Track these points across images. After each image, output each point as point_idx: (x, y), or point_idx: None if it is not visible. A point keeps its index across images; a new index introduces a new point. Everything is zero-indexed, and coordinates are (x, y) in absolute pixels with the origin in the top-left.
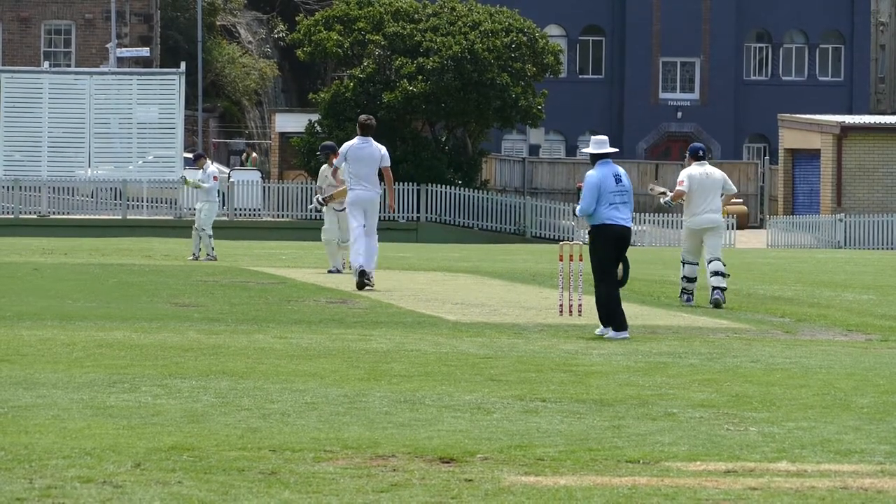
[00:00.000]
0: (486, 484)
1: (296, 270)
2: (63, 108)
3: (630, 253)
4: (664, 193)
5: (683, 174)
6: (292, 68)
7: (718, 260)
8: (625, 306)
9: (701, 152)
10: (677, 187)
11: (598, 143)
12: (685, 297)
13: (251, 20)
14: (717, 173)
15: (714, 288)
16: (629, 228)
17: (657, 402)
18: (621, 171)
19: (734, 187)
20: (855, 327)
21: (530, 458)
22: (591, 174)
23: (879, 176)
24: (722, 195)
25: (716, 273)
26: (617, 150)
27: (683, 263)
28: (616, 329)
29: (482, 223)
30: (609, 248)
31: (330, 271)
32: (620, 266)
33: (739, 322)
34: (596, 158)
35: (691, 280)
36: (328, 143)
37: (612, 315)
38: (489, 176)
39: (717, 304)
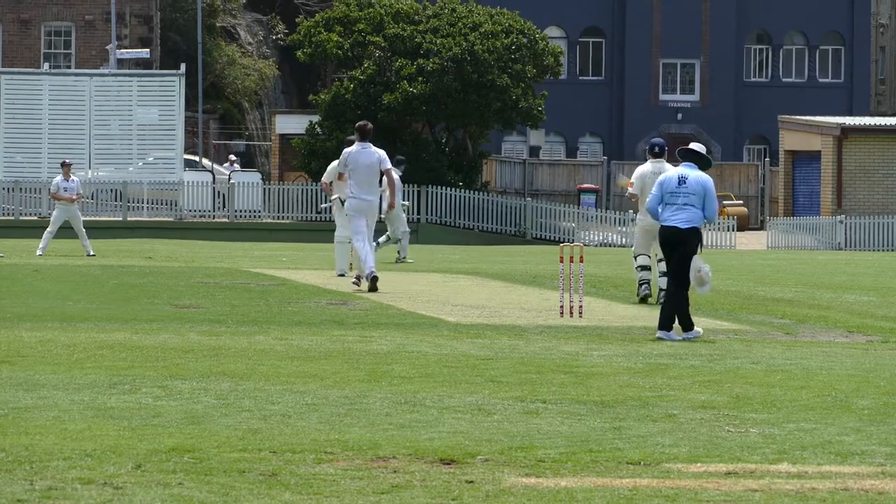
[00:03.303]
0: (487, 485)
1: (296, 272)
2: (63, 110)
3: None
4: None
5: (636, 173)
6: (292, 70)
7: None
8: (625, 307)
9: (657, 148)
10: (628, 189)
11: (696, 146)
12: (644, 287)
13: (251, 21)
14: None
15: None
16: (679, 230)
17: (658, 403)
18: (695, 174)
19: None
20: (855, 329)
21: (531, 459)
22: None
23: (879, 177)
24: None
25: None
26: (703, 149)
27: (635, 257)
28: (660, 326)
29: (482, 225)
30: (662, 247)
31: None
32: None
33: (740, 323)
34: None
35: (646, 268)
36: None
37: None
38: (489, 177)
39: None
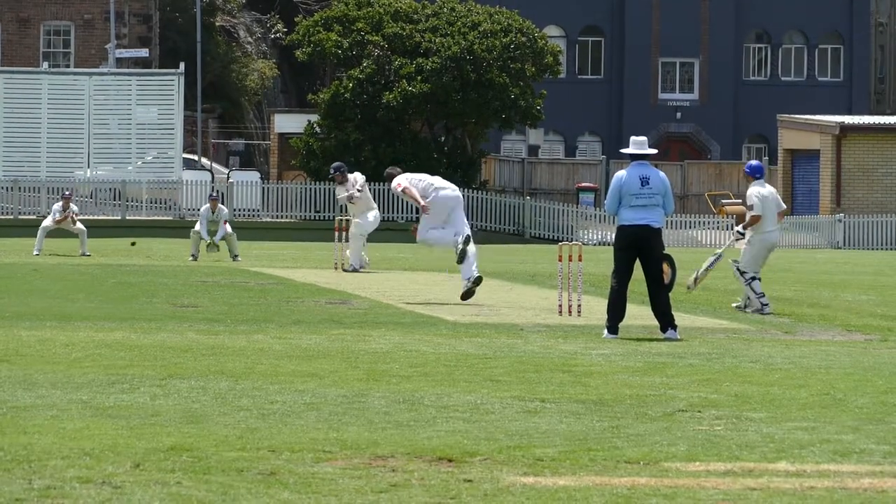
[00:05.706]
0: (486, 484)
1: (295, 271)
2: (62, 109)
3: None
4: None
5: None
6: (291, 69)
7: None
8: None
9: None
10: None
11: (635, 144)
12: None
13: (250, 21)
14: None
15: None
16: (649, 228)
17: (656, 402)
18: (655, 173)
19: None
20: (854, 327)
21: (529, 458)
22: (617, 175)
23: (878, 176)
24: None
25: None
26: (655, 151)
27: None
28: (608, 329)
29: (481, 223)
30: (622, 248)
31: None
32: (668, 268)
33: (739, 322)
34: (633, 158)
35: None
36: (337, 163)
37: (608, 311)
38: (488, 176)
39: None
